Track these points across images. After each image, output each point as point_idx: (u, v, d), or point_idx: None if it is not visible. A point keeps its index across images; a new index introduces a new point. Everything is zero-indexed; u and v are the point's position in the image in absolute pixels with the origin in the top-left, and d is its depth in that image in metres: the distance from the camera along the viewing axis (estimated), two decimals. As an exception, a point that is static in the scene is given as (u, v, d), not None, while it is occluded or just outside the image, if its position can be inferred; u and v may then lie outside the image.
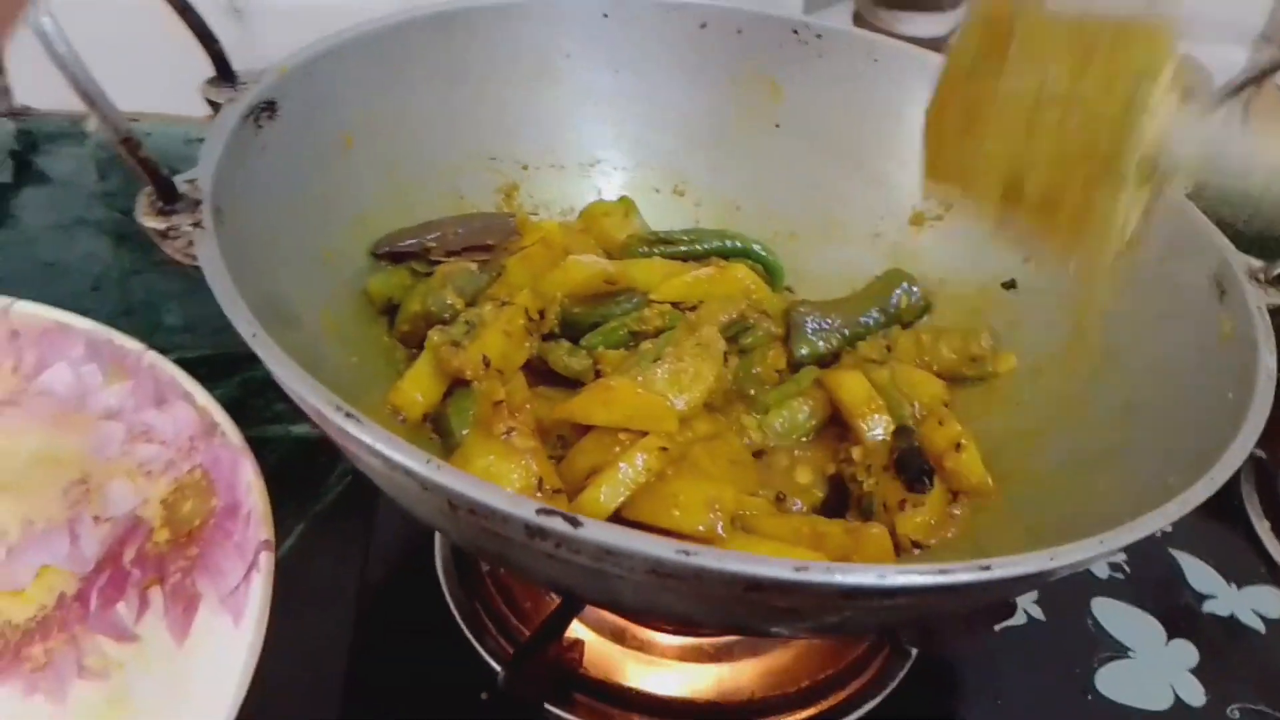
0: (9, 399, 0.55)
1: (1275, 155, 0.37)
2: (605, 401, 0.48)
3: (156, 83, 0.51)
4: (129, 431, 0.54)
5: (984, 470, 0.48)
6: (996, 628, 0.55)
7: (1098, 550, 0.32)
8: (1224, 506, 0.63)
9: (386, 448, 0.31)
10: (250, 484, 0.49)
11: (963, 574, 0.29)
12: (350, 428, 0.31)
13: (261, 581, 0.45)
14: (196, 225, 0.38)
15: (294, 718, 0.48)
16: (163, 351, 0.54)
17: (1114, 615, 0.57)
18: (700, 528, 0.44)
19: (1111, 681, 0.53)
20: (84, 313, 0.79)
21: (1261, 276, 0.45)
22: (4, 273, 0.76)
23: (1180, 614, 0.57)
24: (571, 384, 0.52)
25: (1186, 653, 0.55)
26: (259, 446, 0.51)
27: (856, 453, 0.50)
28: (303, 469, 0.63)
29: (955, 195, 0.46)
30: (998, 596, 0.38)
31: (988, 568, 0.30)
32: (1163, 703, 0.53)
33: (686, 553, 0.28)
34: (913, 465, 0.47)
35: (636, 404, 0.48)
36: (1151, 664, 0.54)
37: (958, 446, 0.48)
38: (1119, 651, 0.55)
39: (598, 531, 0.29)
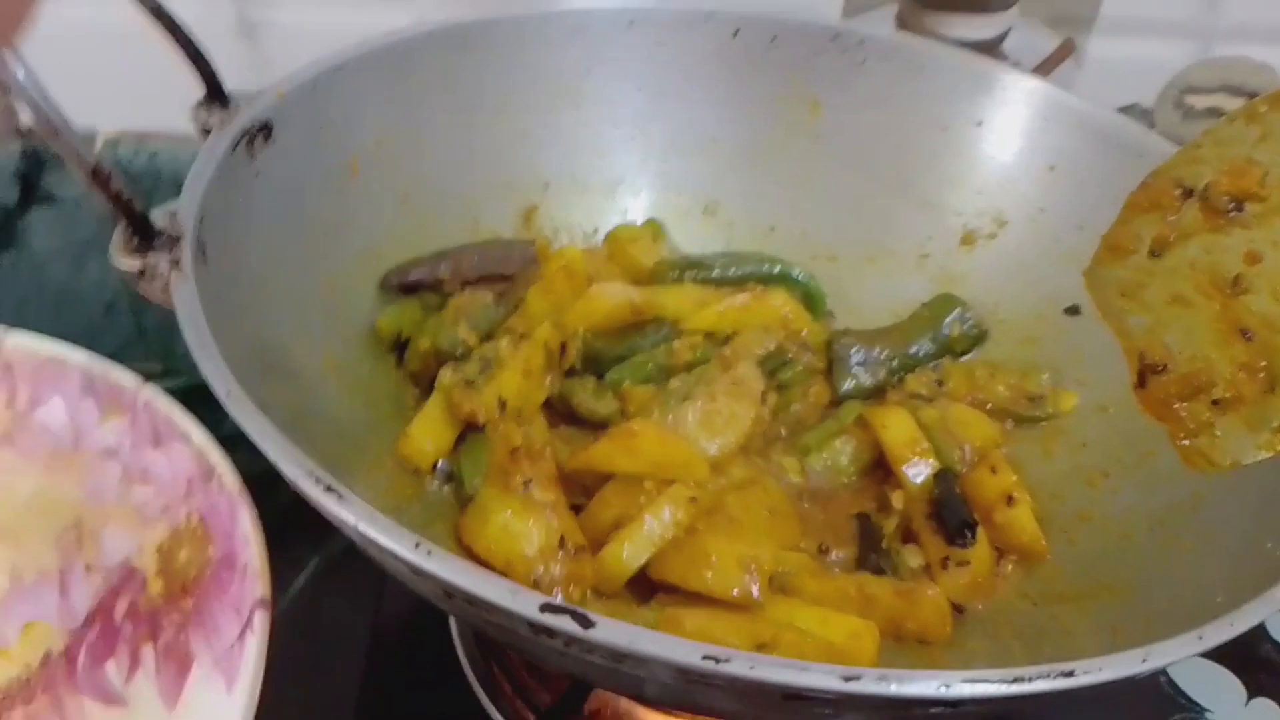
0: (2, 436, 0.52)
1: None
2: (629, 449, 0.44)
3: (171, 100, 0.47)
4: (125, 472, 0.51)
5: (1037, 529, 0.44)
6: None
7: (1197, 647, 0.27)
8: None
9: (371, 529, 0.27)
10: (248, 535, 0.45)
11: (1040, 682, 0.25)
12: (331, 504, 0.28)
13: (256, 644, 0.42)
14: (174, 265, 0.35)
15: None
16: (175, 377, 0.51)
17: (1188, 671, 0.52)
18: (735, 591, 0.40)
19: (1188, 747, 0.49)
20: (96, 339, 0.76)
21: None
22: (13, 298, 0.74)
23: (1262, 668, 0.52)
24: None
25: (1270, 714, 0.50)
26: (272, 481, 0.48)
27: (897, 498, 0.46)
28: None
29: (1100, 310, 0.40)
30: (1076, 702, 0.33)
31: (1070, 673, 0.25)
32: (1245, 772, 0.48)
33: (715, 659, 0.24)
34: (954, 516, 0.43)
35: (662, 451, 0.44)
36: (1233, 727, 0.50)
37: (1009, 500, 0.44)
38: (1195, 712, 0.50)
39: (612, 633, 0.25)
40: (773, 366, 0.51)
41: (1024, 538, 0.44)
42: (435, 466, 0.45)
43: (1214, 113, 0.79)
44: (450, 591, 0.27)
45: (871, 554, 0.45)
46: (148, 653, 0.45)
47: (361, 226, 0.49)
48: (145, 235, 0.35)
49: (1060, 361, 0.52)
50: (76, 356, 0.53)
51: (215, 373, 0.31)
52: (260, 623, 0.43)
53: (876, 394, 0.52)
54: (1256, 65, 0.77)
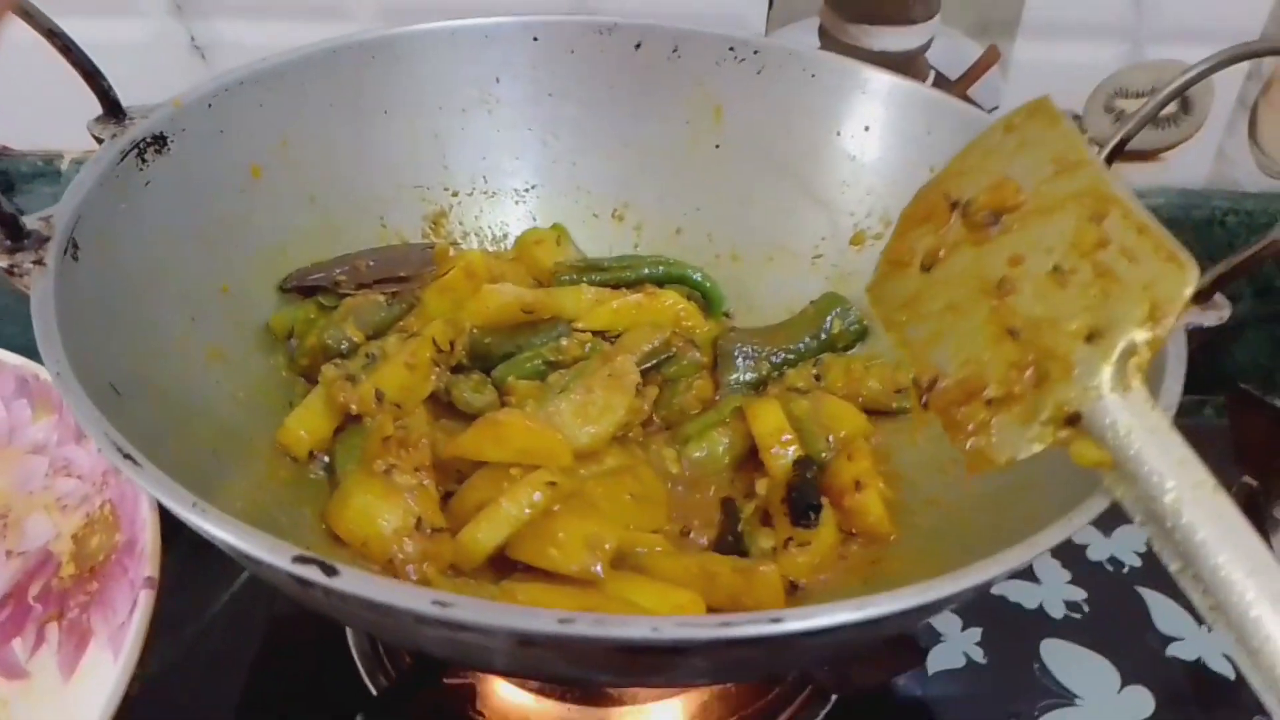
0: (-59, 435, 0.56)
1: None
2: (495, 437, 0.46)
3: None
4: (51, 465, 0.54)
5: (882, 512, 0.46)
6: (931, 670, 0.52)
7: (922, 598, 0.29)
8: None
9: (156, 488, 0.30)
10: (146, 520, 0.48)
11: (748, 627, 0.27)
12: (125, 467, 0.30)
13: (140, 618, 0.45)
14: (38, 262, 0.38)
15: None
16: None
17: (1064, 659, 0.53)
18: (574, 568, 0.42)
19: (1053, 730, 0.50)
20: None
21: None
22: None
23: (1140, 658, 0.53)
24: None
25: (1141, 701, 0.51)
26: None
27: (761, 484, 0.48)
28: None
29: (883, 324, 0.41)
30: (823, 651, 0.35)
31: (779, 619, 0.27)
32: (1107, 755, 0.49)
33: (443, 604, 0.27)
34: (801, 500, 0.45)
35: (527, 439, 0.46)
36: (1100, 713, 0.51)
37: (858, 485, 0.46)
38: (1065, 698, 0.51)
39: (352, 581, 0.27)
40: (657, 361, 0.53)
41: (869, 520, 0.46)
42: (312, 455, 0.48)
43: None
44: (229, 550, 0.30)
45: (730, 536, 0.47)
46: (53, 630, 0.49)
47: (264, 227, 0.52)
48: (15, 235, 0.38)
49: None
50: (10, 359, 0.57)
51: (50, 354, 0.34)
52: (145, 600, 0.46)
53: (758, 388, 0.54)
54: (1186, 68, 0.78)
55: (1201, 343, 0.42)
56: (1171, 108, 0.81)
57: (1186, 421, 0.34)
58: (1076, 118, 0.79)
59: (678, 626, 0.27)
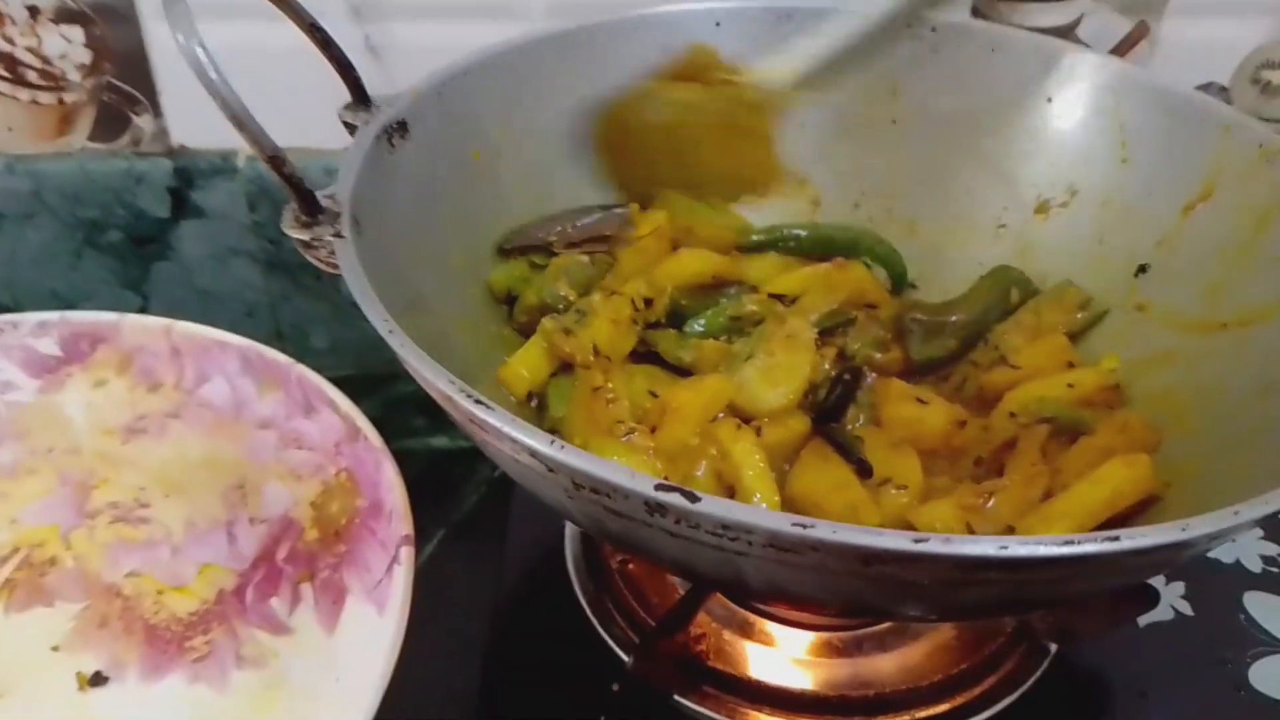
0: (173, 412, 0.59)
1: None
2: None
3: (295, 119, 0.54)
4: (281, 439, 0.57)
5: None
6: (1141, 623, 0.53)
7: (1233, 521, 0.31)
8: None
9: (514, 431, 0.32)
10: (391, 483, 0.51)
11: (1089, 545, 0.29)
12: (479, 413, 0.33)
13: (403, 573, 0.48)
14: (337, 235, 0.41)
15: (434, 704, 0.50)
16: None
17: (1268, 610, 0.54)
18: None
19: (1266, 677, 0.51)
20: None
21: None
22: (166, 301, 0.82)
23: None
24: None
25: (1350, 648, 0.52)
26: (400, 459, 0.54)
27: None
28: (442, 479, 0.66)
29: None
30: (1129, 575, 0.36)
31: (1116, 539, 0.29)
32: (1325, 701, 0.50)
33: (803, 525, 0.29)
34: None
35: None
36: (1312, 661, 0.52)
37: None
38: (1274, 646, 0.52)
39: (715, 506, 0.30)
40: (834, 323, 0.55)
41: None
42: (528, 396, 0.51)
43: (1292, 87, 0.81)
44: (579, 482, 0.32)
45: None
46: (306, 589, 0.52)
47: (483, 206, 0.55)
48: (311, 210, 0.41)
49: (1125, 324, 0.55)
50: (235, 340, 0.60)
51: (378, 316, 0.37)
52: (406, 556, 0.48)
53: (949, 360, 0.56)
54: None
55: None
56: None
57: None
58: (1224, 90, 0.80)
59: (1023, 545, 0.29)
